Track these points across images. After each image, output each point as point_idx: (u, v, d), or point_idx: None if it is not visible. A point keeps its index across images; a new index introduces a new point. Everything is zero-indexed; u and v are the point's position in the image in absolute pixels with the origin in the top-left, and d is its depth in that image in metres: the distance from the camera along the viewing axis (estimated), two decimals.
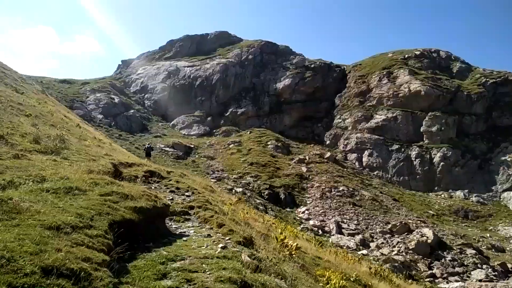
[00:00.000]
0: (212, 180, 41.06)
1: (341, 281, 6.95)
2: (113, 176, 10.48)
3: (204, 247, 6.59)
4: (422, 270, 29.40)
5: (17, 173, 6.87)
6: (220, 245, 6.61)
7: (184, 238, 7.40)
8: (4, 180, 6.11)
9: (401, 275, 20.19)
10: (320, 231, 34.55)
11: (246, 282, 4.84)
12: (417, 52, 69.79)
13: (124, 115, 61.47)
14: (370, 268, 12.71)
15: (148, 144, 37.74)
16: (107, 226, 5.40)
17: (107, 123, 57.32)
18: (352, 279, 9.01)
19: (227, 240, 7.46)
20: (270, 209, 36.54)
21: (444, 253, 32.14)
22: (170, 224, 8.75)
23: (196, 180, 15.33)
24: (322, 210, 38.74)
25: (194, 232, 8.22)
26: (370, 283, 9.90)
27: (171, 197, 11.13)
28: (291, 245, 7.66)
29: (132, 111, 63.89)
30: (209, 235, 7.82)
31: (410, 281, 17.74)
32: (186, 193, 12.01)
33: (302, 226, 34.85)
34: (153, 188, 11.92)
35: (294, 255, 7.75)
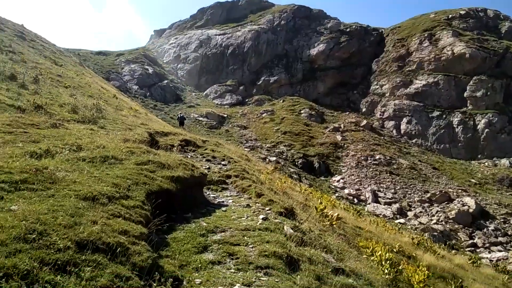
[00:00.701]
0: (246, 149, 41.09)
1: (387, 254, 6.54)
2: (149, 145, 10.45)
3: (244, 218, 6.34)
4: (462, 239, 28.54)
5: (54, 141, 6.78)
6: (261, 216, 6.33)
7: (223, 208, 7.14)
8: (40, 149, 6.01)
9: (443, 245, 19.56)
10: (355, 199, 34.07)
11: (291, 256, 4.56)
12: (462, 12, 64.96)
13: (159, 86, 62.07)
14: (412, 239, 12.21)
15: (181, 114, 38.21)
16: (144, 196, 5.22)
17: (142, 93, 58.14)
18: (395, 250, 8.61)
19: (267, 210, 7.18)
20: (304, 177, 36.27)
21: (487, 222, 30.98)
22: (208, 193, 8.56)
23: (231, 149, 15.21)
24: (357, 179, 38.05)
25: (232, 201, 7.99)
26: (414, 254, 9.48)
27: (207, 166, 10.98)
28: (332, 215, 7.30)
29: (166, 81, 64.36)
30: (248, 205, 7.55)
31: (453, 251, 17.10)
32: (222, 162, 11.86)
33: (337, 194, 34.47)
34: (189, 157, 11.84)
35: (335, 226, 7.40)
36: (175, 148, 11.90)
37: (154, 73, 65.29)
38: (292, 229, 5.89)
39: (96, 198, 4.40)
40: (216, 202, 7.99)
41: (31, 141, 6.57)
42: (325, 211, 8.00)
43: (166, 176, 6.45)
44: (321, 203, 8.52)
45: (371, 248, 7.00)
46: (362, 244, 7.49)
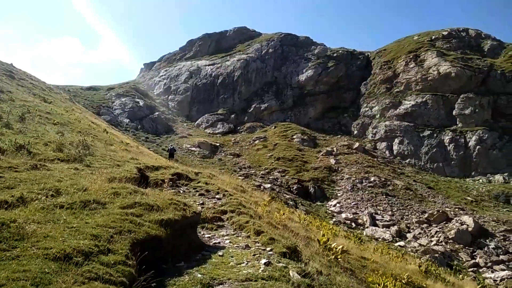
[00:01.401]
0: (240, 177, 40.68)
1: None
2: (138, 182, 9.96)
3: (244, 264, 5.78)
4: (464, 260, 28.03)
5: (30, 186, 6.28)
6: (263, 261, 5.83)
7: (220, 253, 6.55)
8: (13, 197, 5.45)
9: (448, 269, 19.04)
10: (353, 224, 33.55)
11: None
12: (445, 33, 66.78)
13: (150, 118, 62.05)
14: (419, 266, 11.80)
15: (171, 145, 38.03)
16: (129, 248, 4.67)
17: (133, 126, 57.98)
18: (404, 281, 8.21)
19: (269, 251, 6.69)
20: (300, 203, 35.80)
21: (487, 240, 30.58)
22: (202, 233, 8.05)
23: (225, 180, 14.78)
24: (354, 202, 37.66)
25: (229, 242, 7.42)
26: (424, 285, 9.06)
27: (201, 201, 10.50)
28: (336, 249, 6.90)
29: (157, 113, 64.41)
30: (247, 246, 7.00)
31: (460, 276, 16.65)
32: (217, 196, 11.39)
33: (334, 219, 33.96)
34: (181, 192, 11.42)
35: (340, 259, 6.98)
36: (166, 184, 11.45)
37: (145, 106, 65.40)
38: (298, 273, 5.43)
39: (69, 257, 3.83)
40: (211, 243, 7.47)
41: (4, 187, 6.10)
42: (328, 243, 7.61)
43: (155, 220, 5.89)
44: (323, 235, 8.13)
45: (381, 285, 6.58)
46: (371, 279, 7.07)
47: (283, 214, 10.32)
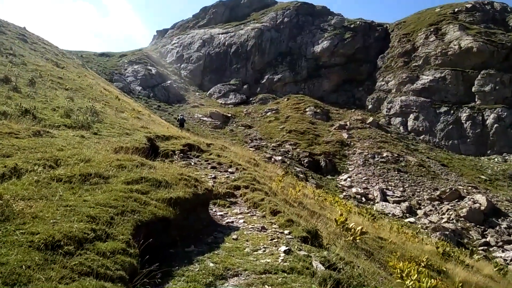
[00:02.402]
0: (251, 149, 40.53)
1: (429, 281, 5.70)
2: (148, 152, 9.58)
3: (261, 251, 5.22)
4: (475, 238, 27.85)
5: (28, 155, 5.72)
6: (283, 248, 5.31)
7: (234, 235, 5.97)
8: (5, 167, 4.82)
9: (463, 249, 18.79)
10: (363, 198, 33.40)
11: None
12: (468, 5, 63.74)
13: (162, 86, 61.68)
14: (437, 247, 11.51)
15: (181, 115, 37.82)
16: (132, 232, 4.07)
17: (145, 94, 57.80)
18: (423, 264, 7.93)
19: (287, 235, 6.19)
20: (310, 177, 35.64)
21: (499, 220, 30.28)
22: (214, 210, 7.55)
23: (238, 153, 14.37)
24: (365, 177, 37.35)
25: (244, 222, 6.85)
26: (444, 269, 8.79)
27: (213, 175, 10.01)
28: (355, 230, 6.54)
29: (169, 81, 63.95)
30: (263, 228, 6.43)
31: (476, 257, 16.41)
32: (229, 169, 10.92)
33: (344, 193, 33.82)
34: (192, 164, 10.98)
35: (358, 240, 6.62)
36: (176, 156, 11.00)
37: (157, 74, 64.92)
38: (322, 263, 4.97)
39: (59, 246, 3.17)
40: (224, 222, 6.88)
41: (0, 156, 5.59)
42: (346, 223, 7.23)
43: (163, 198, 5.24)
44: (341, 214, 7.76)
45: (405, 271, 6.21)
46: (392, 263, 6.77)
47: (299, 190, 10.00)
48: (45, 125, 8.54)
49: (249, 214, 7.40)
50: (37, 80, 17.26)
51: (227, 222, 6.82)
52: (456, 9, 63.69)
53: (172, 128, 26.83)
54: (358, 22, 71.47)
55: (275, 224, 6.76)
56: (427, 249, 11.19)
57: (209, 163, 11.39)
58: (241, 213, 7.47)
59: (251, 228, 6.45)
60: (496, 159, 44.27)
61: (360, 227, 6.46)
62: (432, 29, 60.00)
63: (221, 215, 7.27)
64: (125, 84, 58.35)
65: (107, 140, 8.84)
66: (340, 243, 6.40)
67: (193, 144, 12.91)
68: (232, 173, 10.61)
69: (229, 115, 53.91)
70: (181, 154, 11.57)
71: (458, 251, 14.57)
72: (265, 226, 6.59)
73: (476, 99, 49.90)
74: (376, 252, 7.47)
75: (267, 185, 9.54)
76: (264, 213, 7.38)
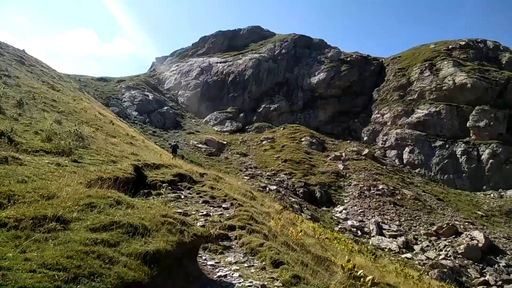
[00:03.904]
0: (245, 177, 40.00)
1: None
2: (133, 183, 8.78)
3: None
4: (473, 276, 27.05)
5: None
6: None
7: None
8: None
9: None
10: (359, 231, 32.67)
11: None
12: (462, 43, 65.37)
13: (158, 112, 61.65)
14: None
15: (174, 141, 37.33)
16: None
17: (141, 119, 57.63)
18: None
19: None
20: (305, 208, 34.99)
21: (497, 258, 29.56)
22: (204, 258, 6.50)
23: (233, 184, 13.56)
24: (360, 210, 36.75)
25: (239, 276, 5.84)
26: None
27: (204, 212, 9.05)
28: (364, 280, 5.88)
29: (166, 107, 64.01)
30: (264, 287, 5.45)
31: None
32: (224, 204, 10.04)
33: (340, 226, 33.14)
34: (182, 197, 10.14)
35: None
36: (164, 189, 10.03)
37: (154, 100, 65.05)
38: None
39: None
40: (215, 276, 5.77)
41: None
42: (354, 271, 6.53)
43: (136, 252, 4.02)
44: (349, 261, 7.06)
45: None
46: None
47: (300, 231, 9.36)
48: (19, 150, 7.84)
49: (245, 265, 6.45)
50: (28, 102, 16.91)
51: (219, 276, 5.81)
52: (450, 46, 65.23)
53: (166, 154, 26.38)
54: (354, 56, 72.83)
55: (277, 280, 5.80)
56: None
57: (201, 197, 10.55)
58: (236, 263, 6.52)
59: (249, 286, 5.50)
60: (492, 195, 44.00)
61: (370, 277, 5.86)
62: (427, 65, 61.17)
63: (212, 265, 6.29)
64: (121, 109, 58.26)
65: (85, 170, 7.93)
66: None
67: (185, 174, 12.17)
68: (226, 209, 9.78)
69: (225, 142, 53.65)
70: (171, 186, 10.75)
71: None
72: (266, 284, 5.64)
73: (471, 134, 50.19)
74: None
75: (265, 225, 8.75)
76: (264, 263, 6.45)
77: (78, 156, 9.18)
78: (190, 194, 10.65)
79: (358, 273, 6.17)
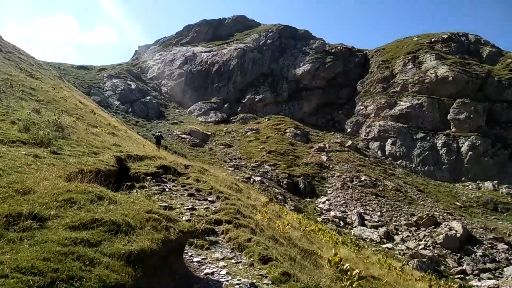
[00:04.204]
0: (230, 168, 39.95)
1: None
2: (116, 175, 8.41)
3: None
4: (451, 266, 27.82)
5: None
6: None
7: None
8: None
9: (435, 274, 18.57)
10: (341, 222, 33.13)
11: None
12: (445, 36, 66.30)
13: (141, 102, 60.72)
14: (430, 286, 11.11)
15: (158, 132, 36.57)
16: None
17: (124, 109, 56.68)
18: None
19: None
20: (289, 199, 35.24)
21: (474, 248, 30.42)
22: (190, 254, 6.22)
23: (219, 176, 13.32)
24: (343, 201, 37.23)
25: (227, 273, 5.60)
26: None
27: (190, 205, 8.80)
28: (351, 273, 5.85)
29: (149, 97, 63.07)
30: (253, 286, 5.22)
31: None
32: (209, 197, 9.83)
33: (322, 217, 33.52)
34: (167, 190, 9.87)
35: (355, 286, 5.89)
36: (148, 182, 9.70)
37: (137, 89, 63.99)
38: None
39: None
40: (202, 274, 5.52)
41: None
42: (341, 265, 6.47)
43: (120, 253, 3.75)
44: (335, 254, 7.04)
45: None
46: None
47: (287, 224, 9.31)
48: None
49: (233, 261, 6.22)
50: (5, 90, 16.37)
51: (206, 274, 5.56)
52: (433, 39, 66.08)
53: (149, 145, 26.02)
54: (339, 47, 73.05)
55: (266, 277, 5.57)
56: (420, 287, 10.81)
57: (186, 189, 10.20)
58: (223, 259, 6.29)
59: (237, 284, 5.20)
60: (470, 186, 45.18)
61: (357, 271, 5.88)
62: (410, 57, 61.87)
63: (198, 261, 6.02)
64: (103, 98, 57.14)
65: (65, 162, 7.52)
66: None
67: (169, 166, 11.86)
68: (212, 202, 9.58)
69: (209, 133, 53.35)
70: (155, 178, 10.46)
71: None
72: (255, 282, 5.39)
73: (451, 127, 51.22)
74: None
75: (252, 219, 8.58)
76: (252, 259, 6.22)
77: (58, 147, 8.81)
78: (175, 186, 10.40)
79: (345, 267, 6.20)
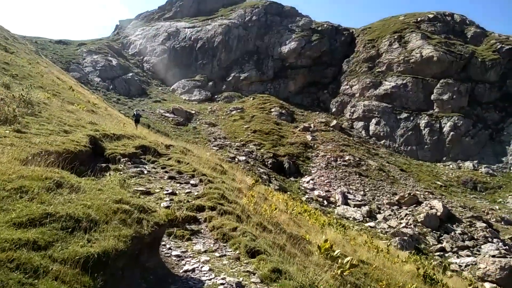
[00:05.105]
0: (214, 148, 39.52)
1: None
2: (89, 156, 7.56)
3: None
4: (431, 243, 28.43)
5: None
6: None
7: None
8: None
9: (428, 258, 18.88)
10: (325, 201, 33.36)
11: None
12: (431, 15, 65.96)
13: (123, 79, 59.09)
14: (418, 269, 11.13)
15: (136, 111, 35.14)
16: None
17: (104, 86, 55.12)
18: None
19: None
20: (274, 178, 35.19)
21: (454, 226, 31.12)
22: (168, 247, 5.58)
23: (202, 157, 12.68)
24: (327, 180, 37.42)
25: (209, 270, 4.99)
26: None
27: (170, 189, 8.14)
28: (343, 262, 5.53)
29: (130, 74, 61.40)
30: (239, 286, 4.62)
31: (449, 273, 16.44)
32: (192, 181, 9.15)
33: (306, 196, 33.66)
34: (145, 172, 9.17)
35: (346, 274, 5.58)
36: (123, 164, 8.96)
37: (118, 65, 62.14)
38: None
39: None
40: (181, 271, 4.91)
41: None
42: (331, 252, 6.15)
43: (75, 258, 3.04)
44: (326, 240, 6.69)
45: None
46: None
47: (275, 208, 8.93)
48: None
49: (216, 254, 5.63)
50: None
51: (186, 271, 4.91)
52: (419, 19, 65.70)
53: (130, 124, 25.29)
54: (325, 25, 72.08)
55: (254, 275, 4.98)
56: (407, 269, 10.82)
57: (166, 172, 9.57)
58: (205, 252, 5.67)
59: (221, 284, 4.58)
60: (451, 166, 45.97)
61: (349, 258, 5.63)
62: (396, 37, 61.52)
63: (177, 255, 5.38)
64: (82, 75, 55.35)
65: (28, 141, 6.69)
66: (328, 282, 5.40)
67: (149, 146, 11.12)
68: (195, 185, 8.90)
69: (193, 112, 52.49)
70: (132, 160, 9.77)
71: (437, 270, 14.41)
72: (242, 280, 4.78)
73: (434, 107, 51.61)
74: (364, 285, 6.64)
75: (238, 204, 7.98)
76: (238, 252, 5.64)
77: (24, 125, 8.08)
78: (154, 168, 9.72)
79: (335, 253, 5.98)
